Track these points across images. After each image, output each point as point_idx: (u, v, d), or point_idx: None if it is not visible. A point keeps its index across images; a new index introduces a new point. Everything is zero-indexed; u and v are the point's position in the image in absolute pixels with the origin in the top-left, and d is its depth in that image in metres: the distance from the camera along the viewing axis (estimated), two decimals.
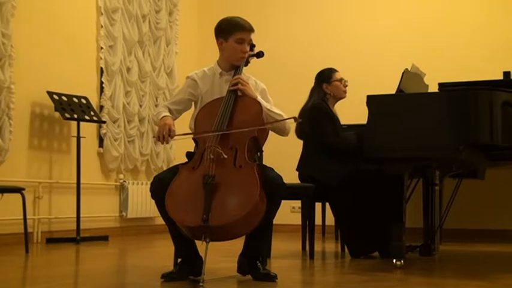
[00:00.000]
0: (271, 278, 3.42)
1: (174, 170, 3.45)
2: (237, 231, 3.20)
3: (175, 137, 3.43)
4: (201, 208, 3.14)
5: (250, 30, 3.68)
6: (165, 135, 3.41)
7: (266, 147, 3.75)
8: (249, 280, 3.49)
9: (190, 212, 3.18)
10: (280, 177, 3.40)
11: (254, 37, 3.75)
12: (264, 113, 3.52)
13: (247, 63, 3.75)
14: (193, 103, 3.78)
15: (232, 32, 3.65)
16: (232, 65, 3.70)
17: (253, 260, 3.49)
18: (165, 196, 3.28)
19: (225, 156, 3.31)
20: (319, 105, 4.92)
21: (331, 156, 4.78)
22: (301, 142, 5.03)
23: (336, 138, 4.82)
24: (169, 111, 3.67)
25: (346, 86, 5.05)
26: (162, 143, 3.48)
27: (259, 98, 3.62)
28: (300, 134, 5.00)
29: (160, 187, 3.36)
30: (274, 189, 3.33)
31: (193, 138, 3.58)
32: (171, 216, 3.26)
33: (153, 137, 3.53)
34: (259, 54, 3.76)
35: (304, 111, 4.97)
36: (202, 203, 3.15)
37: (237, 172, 3.31)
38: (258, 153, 3.66)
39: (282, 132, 3.68)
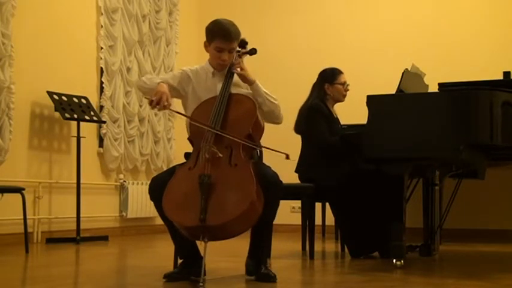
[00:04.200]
0: (270, 278, 3.42)
1: (171, 171, 3.45)
2: (234, 229, 3.20)
3: (167, 110, 3.40)
4: (198, 208, 3.14)
5: (232, 40, 3.59)
6: (160, 103, 3.35)
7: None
8: (248, 280, 3.49)
9: (188, 212, 3.18)
10: (276, 175, 3.41)
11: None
12: (257, 109, 3.53)
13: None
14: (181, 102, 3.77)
15: (213, 39, 3.61)
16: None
17: (259, 261, 3.50)
18: (163, 197, 3.29)
19: (220, 155, 3.31)
20: (316, 105, 4.92)
21: (329, 157, 4.78)
22: (300, 141, 5.04)
23: (329, 138, 4.81)
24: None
25: (348, 90, 5.06)
26: (153, 109, 3.44)
27: (257, 82, 3.63)
28: (297, 130, 5.01)
29: (158, 188, 3.36)
30: (269, 187, 3.32)
31: (189, 139, 3.58)
32: (169, 217, 3.26)
33: (149, 100, 3.45)
34: (252, 52, 3.74)
35: (301, 110, 4.99)
36: (199, 203, 3.15)
37: (233, 171, 3.31)
38: (258, 151, 3.66)
39: (276, 119, 3.69)
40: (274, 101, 3.65)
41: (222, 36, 3.57)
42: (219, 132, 3.37)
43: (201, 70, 3.74)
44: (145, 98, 3.52)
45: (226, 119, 3.47)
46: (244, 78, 3.63)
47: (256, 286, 3.36)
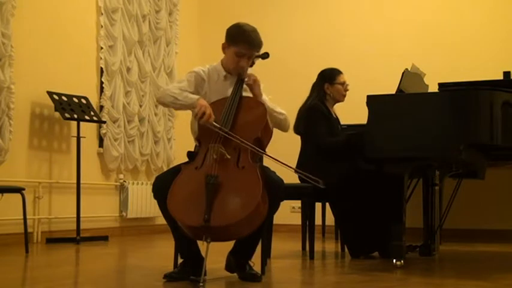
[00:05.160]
0: (255, 278, 3.42)
1: (175, 170, 3.44)
2: (238, 231, 3.20)
3: (208, 124, 3.40)
4: (202, 208, 3.14)
5: (255, 47, 3.60)
6: (204, 116, 3.36)
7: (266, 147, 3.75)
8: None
9: (192, 211, 3.17)
10: (281, 180, 3.40)
11: None
12: (268, 115, 3.51)
13: (252, 64, 3.72)
14: None
15: (236, 42, 3.59)
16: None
17: (243, 261, 3.49)
18: (167, 196, 3.28)
19: (228, 157, 3.31)
20: (315, 106, 4.93)
21: (328, 157, 4.78)
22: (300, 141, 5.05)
23: (328, 139, 4.81)
24: None
25: (347, 90, 5.06)
26: (200, 120, 3.41)
27: (264, 97, 3.62)
28: (297, 130, 5.01)
29: (163, 187, 3.35)
30: (274, 192, 3.32)
31: (196, 139, 3.57)
32: (173, 216, 3.25)
33: (195, 113, 3.47)
34: (264, 56, 3.73)
35: (300, 111, 4.99)
36: (204, 203, 3.15)
37: (240, 173, 3.30)
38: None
39: (282, 129, 3.71)
40: (280, 116, 3.65)
41: (248, 43, 3.57)
42: (231, 137, 3.34)
43: (213, 71, 3.70)
44: (192, 110, 3.51)
45: (236, 122, 3.47)
46: (253, 90, 3.62)
47: (256, 286, 3.36)
